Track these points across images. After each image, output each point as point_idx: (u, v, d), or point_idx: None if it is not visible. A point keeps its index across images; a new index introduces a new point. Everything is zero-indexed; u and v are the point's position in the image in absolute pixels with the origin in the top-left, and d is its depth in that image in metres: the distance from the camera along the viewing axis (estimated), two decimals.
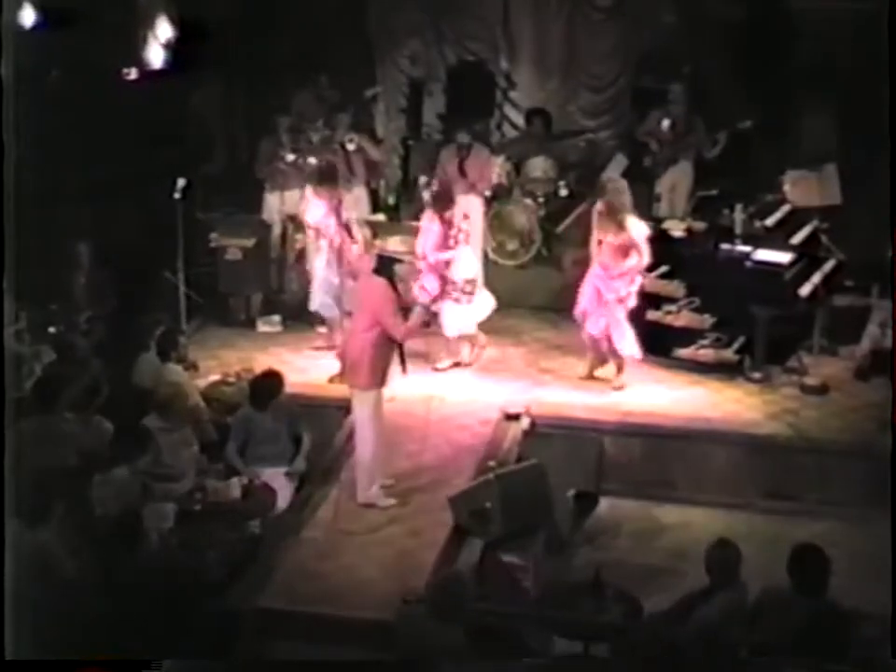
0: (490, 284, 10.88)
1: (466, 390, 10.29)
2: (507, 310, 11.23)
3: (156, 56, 10.29)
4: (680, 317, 10.57)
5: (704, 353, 10.54)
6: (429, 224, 10.36)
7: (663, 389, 10.35)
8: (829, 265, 10.87)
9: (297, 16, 12.73)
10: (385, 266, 8.70)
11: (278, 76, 12.92)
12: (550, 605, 7.23)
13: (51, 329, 10.24)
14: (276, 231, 11.89)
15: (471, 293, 10.38)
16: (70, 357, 9.55)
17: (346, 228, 10.37)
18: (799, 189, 11.28)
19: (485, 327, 10.68)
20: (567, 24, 13.30)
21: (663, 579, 8.42)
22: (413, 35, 13.55)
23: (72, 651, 6.19)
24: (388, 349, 8.45)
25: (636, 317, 10.24)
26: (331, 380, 10.14)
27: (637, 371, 10.45)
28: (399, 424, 9.30)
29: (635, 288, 10.08)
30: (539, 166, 12.66)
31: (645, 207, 11.35)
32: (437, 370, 10.52)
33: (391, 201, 12.94)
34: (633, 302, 10.11)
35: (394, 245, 11.16)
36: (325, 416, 9.60)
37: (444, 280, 10.29)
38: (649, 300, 10.48)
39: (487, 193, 11.92)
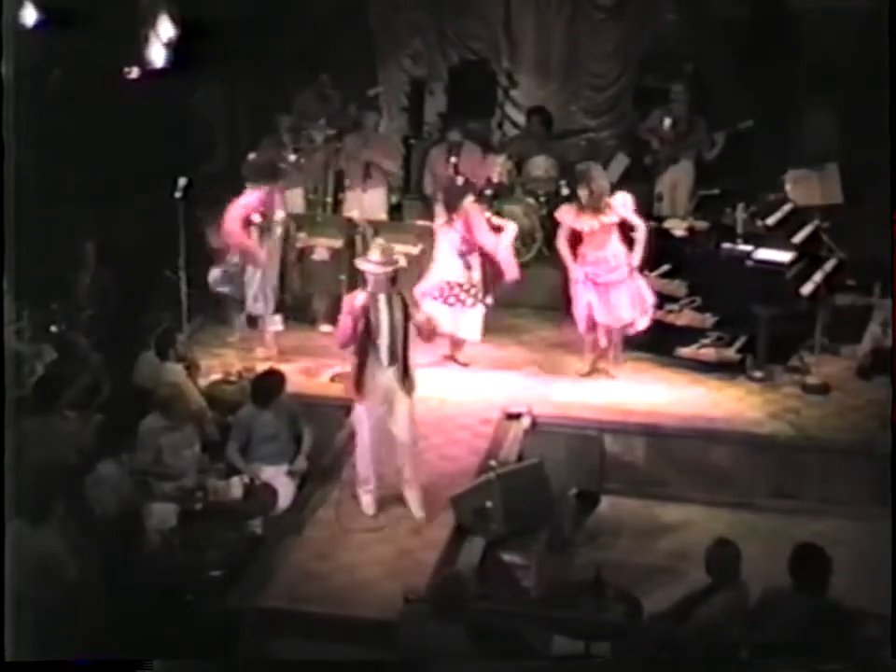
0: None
1: (467, 389, 10.28)
2: (508, 309, 11.23)
3: (157, 55, 10.27)
4: (682, 316, 10.57)
5: (705, 352, 10.53)
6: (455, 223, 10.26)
7: (664, 388, 10.35)
8: (830, 264, 10.86)
9: (298, 15, 12.75)
10: None
11: (280, 75, 12.93)
12: (551, 604, 7.26)
13: (52, 328, 10.20)
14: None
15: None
16: (71, 356, 9.56)
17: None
18: (800, 188, 11.26)
19: (487, 326, 10.64)
20: (568, 24, 13.34)
21: (664, 578, 8.42)
22: (415, 34, 13.60)
23: (72, 651, 6.19)
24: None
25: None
26: (332, 379, 10.14)
27: (638, 371, 10.48)
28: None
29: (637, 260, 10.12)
30: (540, 165, 12.66)
31: (646, 206, 11.35)
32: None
33: (393, 200, 12.93)
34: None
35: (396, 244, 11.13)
36: (326, 415, 9.59)
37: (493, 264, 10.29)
38: None
39: (488, 192, 11.91)
